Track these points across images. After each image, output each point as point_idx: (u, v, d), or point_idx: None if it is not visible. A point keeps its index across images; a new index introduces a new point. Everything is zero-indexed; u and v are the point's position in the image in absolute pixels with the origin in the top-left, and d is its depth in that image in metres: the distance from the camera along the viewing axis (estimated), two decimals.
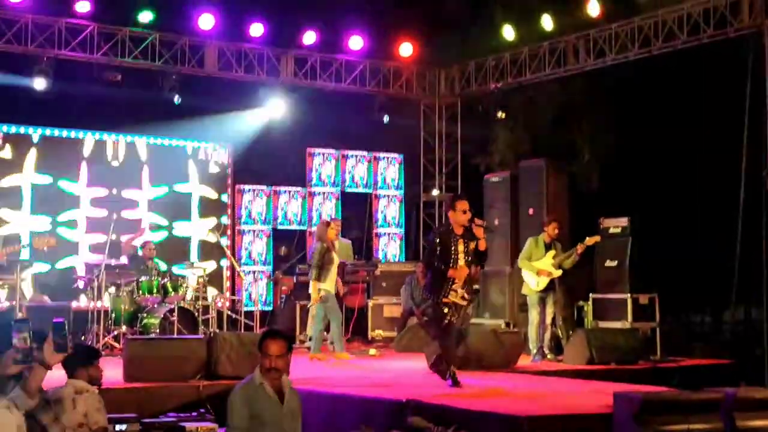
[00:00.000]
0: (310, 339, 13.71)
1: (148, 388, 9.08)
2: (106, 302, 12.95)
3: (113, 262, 13.56)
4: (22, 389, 5.07)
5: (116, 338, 12.52)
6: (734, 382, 10.21)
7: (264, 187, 16.71)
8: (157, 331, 12.29)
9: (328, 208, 17.11)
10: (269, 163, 16.39)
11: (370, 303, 15.19)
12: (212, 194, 16.33)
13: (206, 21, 15.14)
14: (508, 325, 13.52)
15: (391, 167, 17.86)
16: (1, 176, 14.71)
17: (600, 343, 11.68)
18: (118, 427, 7.23)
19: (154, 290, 12.90)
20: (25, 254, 13.87)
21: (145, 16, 14.69)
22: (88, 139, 15.38)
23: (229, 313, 14.44)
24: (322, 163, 17.23)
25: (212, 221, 16.01)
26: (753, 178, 12.85)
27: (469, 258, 9.13)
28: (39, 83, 14.01)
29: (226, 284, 15.32)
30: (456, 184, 17.94)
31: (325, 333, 13.99)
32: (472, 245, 9.12)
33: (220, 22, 15.23)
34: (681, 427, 6.40)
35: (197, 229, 16.14)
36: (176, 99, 14.91)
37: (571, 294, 13.02)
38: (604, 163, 14.35)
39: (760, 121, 12.93)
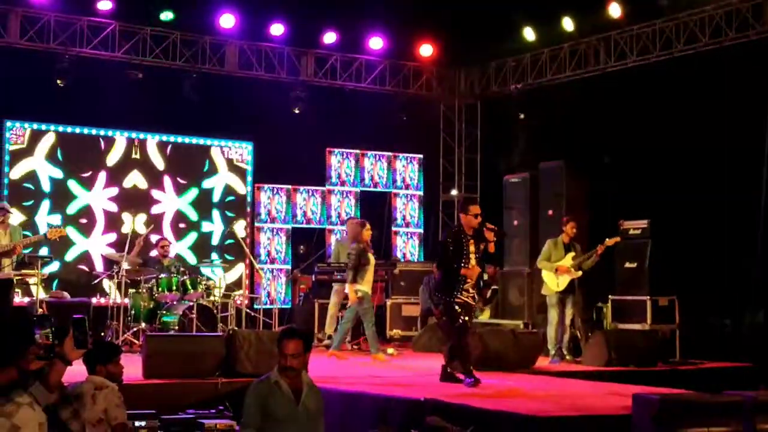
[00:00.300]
0: (329, 337, 13.74)
1: (167, 384, 9.13)
2: (125, 299, 13.00)
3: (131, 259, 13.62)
4: (42, 384, 5.10)
5: (135, 335, 12.58)
6: (754, 385, 10.16)
7: (283, 186, 16.73)
8: (176, 328, 12.33)
9: (346, 207, 17.12)
10: (289, 161, 16.41)
11: (389, 302, 15.20)
12: (230, 192, 16.35)
13: (227, 20, 15.20)
14: (526, 325, 13.51)
15: (410, 167, 17.86)
16: (19, 170, 14.77)
17: (619, 344, 11.66)
18: (137, 423, 7.26)
19: (174, 287, 12.95)
20: (44, 250, 14.05)
21: (166, 15, 14.75)
22: (108, 137, 15.44)
23: (248, 310, 14.47)
24: (341, 162, 17.25)
25: (231, 219, 16.00)
26: None
27: (480, 258, 9.35)
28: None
29: (245, 282, 15.36)
30: (475, 185, 17.95)
31: None
32: (482, 246, 9.37)
33: (240, 21, 15.29)
34: (700, 430, 6.37)
35: (218, 227, 16.18)
36: (191, 95, 14.98)
37: (590, 295, 12.99)
38: (624, 164, 14.29)
39: None
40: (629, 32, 14.59)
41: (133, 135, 15.59)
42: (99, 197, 15.31)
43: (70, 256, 14.99)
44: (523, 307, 14.08)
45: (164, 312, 12.66)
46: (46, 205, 14.90)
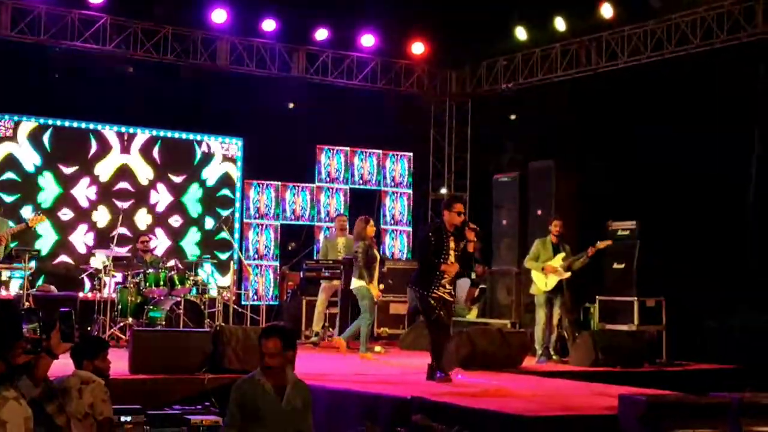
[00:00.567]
0: (316, 334, 13.74)
1: (153, 380, 9.10)
2: (112, 293, 12.97)
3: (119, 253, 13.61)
4: (28, 377, 5.09)
5: (122, 330, 12.54)
6: (740, 387, 10.19)
7: (272, 182, 16.71)
8: (163, 323, 12.30)
9: (336, 204, 17.10)
10: (278, 158, 16.39)
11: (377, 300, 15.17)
12: (221, 188, 16.34)
13: (219, 15, 15.19)
14: (514, 325, 13.51)
15: (399, 165, 17.86)
16: (7, 161, 14.71)
17: (606, 345, 11.68)
18: (123, 418, 7.25)
19: (161, 282, 12.92)
20: (31, 241, 14.04)
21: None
22: (98, 131, 15.40)
23: (235, 306, 14.45)
24: (331, 158, 17.24)
25: (220, 214, 15.98)
26: (762, 183, 12.84)
27: (458, 256, 9.42)
28: None
29: (233, 278, 15.32)
30: (465, 184, 17.96)
31: (330, 329, 14.05)
32: (461, 244, 9.43)
33: (232, 17, 15.28)
34: (686, 431, 6.38)
35: (207, 223, 16.16)
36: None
37: (577, 296, 13.00)
38: (614, 165, 14.32)
39: None
40: (621, 33, 14.62)
41: (123, 129, 15.55)
42: (88, 191, 15.25)
43: (63, 249, 14.95)
44: (511, 307, 14.08)
45: (151, 307, 12.63)
46: (34, 197, 14.84)
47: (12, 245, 12.35)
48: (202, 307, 12.95)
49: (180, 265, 13.54)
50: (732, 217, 13.13)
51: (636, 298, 12.59)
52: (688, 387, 9.14)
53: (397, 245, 17.55)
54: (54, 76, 14.30)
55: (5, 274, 12.89)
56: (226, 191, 16.39)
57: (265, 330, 6.13)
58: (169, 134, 15.99)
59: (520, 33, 15.92)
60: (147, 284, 12.84)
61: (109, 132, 15.45)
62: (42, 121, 14.96)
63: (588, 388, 9.23)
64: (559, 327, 12.29)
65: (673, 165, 13.65)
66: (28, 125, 14.86)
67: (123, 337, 12.34)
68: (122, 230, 14.14)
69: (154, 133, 15.82)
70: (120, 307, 12.81)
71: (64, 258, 15.00)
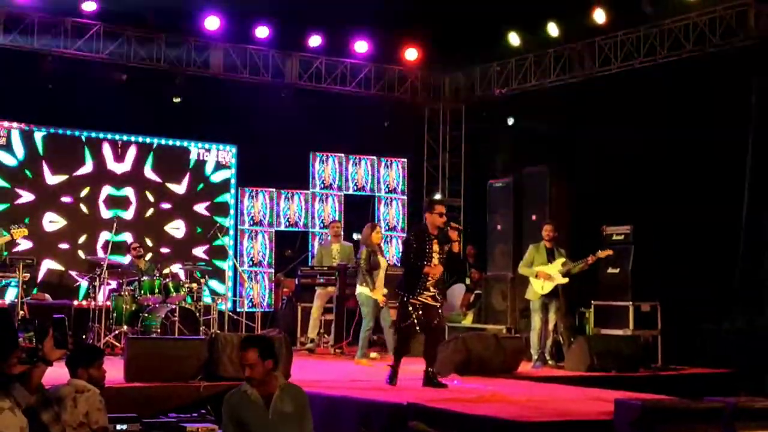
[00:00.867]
0: (311, 341, 13.73)
1: (149, 388, 9.08)
2: (107, 301, 12.96)
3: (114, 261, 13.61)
4: (23, 385, 5.08)
5: (117, 337, 12.53)
6: (735, 392, 10.21)
7: (267, 189, 16.71)
8: (158, 330, 12.29)
9: (330, 211, 17.10)
10: (272, 164, 16.39)
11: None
12: (215, 195, 16.33)
13: (212, 22, 15.18)
14: (509, 330, 13.52)
15: (394, 171, 17.87)
16: (6, 176, 14.71)
17: (601, 350, 11.69)
18: (118, 426, 7.23)
19: (156, 290, 12.91)
20: (26, 249, 14.03)
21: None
22: (92, 138, 15.38)
23: (231, 314, 14.44)
24: (326, 165, 17.24)
25: (214, 222, 15.96)
26: (756, 186, 12.86)
27: (443, 259, 9.40)
28: None
29: (228, 285, 15.34)
30: (459, 189, 17.97)
31: (326, 335, 14.05)
32: (446, 247, 9.42)
33: (225, 23, 15.27)
34: None
35: (201, 229, 16.15)
36: (175, 99, 15.02)
37: (572, 300, 13.00)
38: (608, 170, 14.35)
39: (765, 131, 12.95)
40: (614, 38, 14.65)
41: (117, 137, 15.54)
42: (82, 199, 15.24)
43: (56, 257, 14.94)
44: (506, 312, 14.08)
45: (146, 315, 12.62)
46: (30, 206, 14.83)
47: (4, 254, 12.34)
48: (197, 314, 12.94)
49: (180, 273, 13.55)
50: (726, 222, 13.14)
51: (631, 303, 12.60)
52: (683, 391, 9.17)
53: (392, 251, 17.55)
54: (47, 84, 14.27)
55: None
56: (220, 199, 16.37)
57: (242, 341, 6.18)
58: (162, 141, 15.98)
59: (513, 39, 15.94)
60: (142, 292, 12.85)
61: (103, 139, 15.43)
62: (36, 128, 14.94)
63: (583, 393, 9.24)
64: (554, 332, 12.31)
65: (667, 169, 13.68)
66: (22, 136, 14.83)
67: (118, 344, 12.33)
68: (118, 238, 14.11)
69: (148, 140, 15.81)
70: (115, 314, 12.81)
71: (58, 266, 14.96)
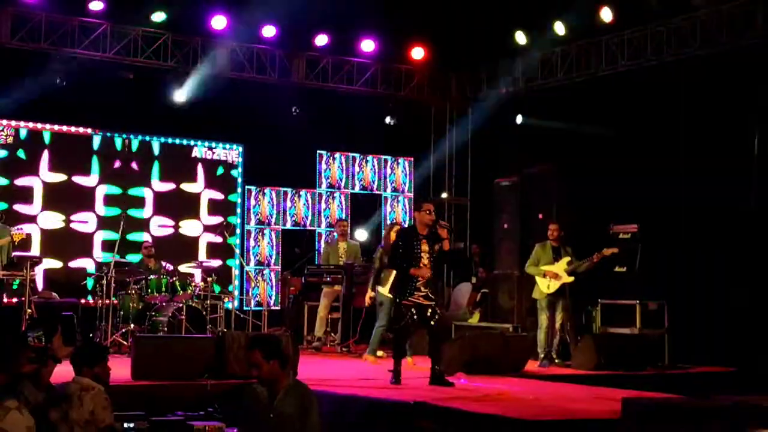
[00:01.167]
0: (318, 340, 13.75)
1: (156, 386, 9.11)
2: (114, 300, 12.98)
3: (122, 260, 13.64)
4: (32, 383, 5.10)
5: (124, 336, 12.55)
6: (742, 390, 10.19)
7: (273, 188, 16.71)
8: (165, 329, 12.31)
9: (337, 210, 17.11)
10: (279, 163, 16.41)
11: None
12: (221, 195, 16.34)
13: (219, 22, 15.20)
14: (516, 329, 13.50)
15: (400, 170, 17.87)
16: (15, 175, 14.73)
17: (608, 348, 11.68)
18: (126, 424, 7.24)
19: (163, 289, 12.93)
20: (35, 250, 14.08)
21: (158, 16, 14.75)
22: (100, 137, 15.40)
23: (237, 312, 14.46)
24: (332, 164, 17.24)
25: (220, 220, 15.96)
26: (763, 184, 12.83)
27: (433, 258, 9.42)
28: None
29: (235, 284, 15.34)
30: (466, 188, 17.97)
31: (332, 334, 14.05)
32: (436, 246, 9.44)
33: (232, 23, 15.29)
34: None
35: (207, 228, 16.17)
36: (176, 97, 15.07)
37: (579, 299, 12.99)
38: (615, 168, 14.33)
39: None
40: (620, 37, 14.62)
41: (123, 135, 15.55)
42: (89, 197, 15.26)
43: (64, 255, 14.96)
44: (513, 311, 14.08)
45: (153, 313, 12.64)
46: (38, 205, 14.85)
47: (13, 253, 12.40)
48: (204, 313, 12.95)
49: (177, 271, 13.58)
50: (732, 219, 13.12)
51: (638, 302, 12.58)
52: (690, 390, 9.15)
53: None
54: (54, 83, 14.30)
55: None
56: (226, 198, 16.38)
57: (247, 342, 6.21)
58: (169, 140, 15.98)
59: (520, 37, 15.93)
60: (149, 290, 12.87)
61: (109, 138, 15.45)
62: (44, 127, 14.95)
63: (590, 392, 9.24)
64: (561, 330, 12.29)
65: (673, 167, 13.66)
66: (30, 135, 14.85)
67: (125, 343, 12.35)
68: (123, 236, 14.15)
69: (154, 139, 15.82)
70: (122, 313, 12.84)
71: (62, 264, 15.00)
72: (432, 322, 9.48)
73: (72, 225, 15.06)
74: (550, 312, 12.18)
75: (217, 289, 13.84)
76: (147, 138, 15.75)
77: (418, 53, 16.96)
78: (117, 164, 15.48)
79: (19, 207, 14.65)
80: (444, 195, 17.95)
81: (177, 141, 16.06)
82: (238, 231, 16.26)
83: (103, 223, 15.26)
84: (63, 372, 6.09)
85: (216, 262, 15.44)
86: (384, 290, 11.93)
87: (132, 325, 12.63)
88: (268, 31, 15.69)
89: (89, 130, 15.32)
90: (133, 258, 14.34)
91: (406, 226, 9.89)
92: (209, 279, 13.32)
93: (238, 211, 16.43)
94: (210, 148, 16.25)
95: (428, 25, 16.26)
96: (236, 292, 15.53)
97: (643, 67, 14.34)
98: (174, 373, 9.38)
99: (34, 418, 5.42)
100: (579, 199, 14.07)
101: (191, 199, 16.09)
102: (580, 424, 7.11)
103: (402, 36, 16.72)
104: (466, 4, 15.28)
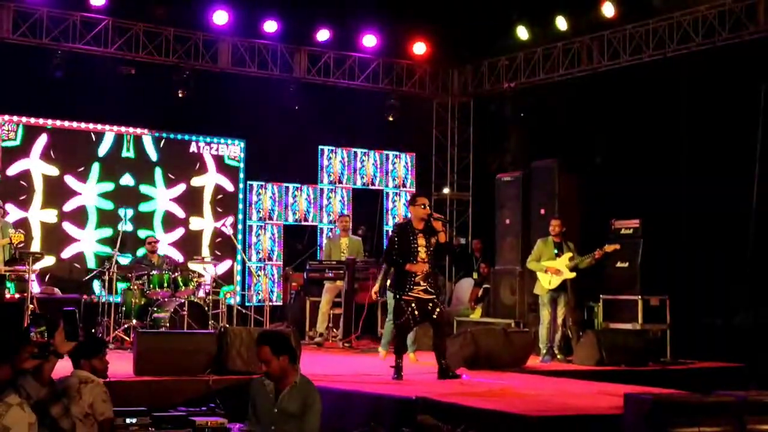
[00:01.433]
0: (320, 335, 13.75)
1: (158, 381, 9.10)
2: (116, 295, 12.99)
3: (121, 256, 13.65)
4: (34, 378, 5.09)
5: (126, 331, 12.56)
6: (745, 385, 10.18)
7: (275, 183, 16.71)
8: (167, 325, 12.31)
9: (338, 205, 17.11)
10: (281, 159, 16.41)
11: (380, 300, 15.17)
12: (223, 189, 16.33)
13: (220, 17, 15.21)
14: (518, 324, 13.51)
15: (402, 165, 17.87)
16: (11, 166, 14.71)
17: (610, 344, 11.67)
18: (128, 420, 7.24)
19: (165, 284, 12.93)
20: (35, 246, 14.07)
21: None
22: (101, 133, 15.39)
23: (239, 308, 14.46)
24: (334, 159, 17.24)
25: (223, 216, 15.97)
26: (765, 181, 12.83)
27: (430, 252, 9.43)
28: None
29: (237, 279, 15.35)
30: (467, 183, 17.98)
31: (334, 330, 14.06)
32: (433, 240, 9.45)
33: (233, 18, 15.29)
34: (691, 429, 6.37)
35: (209, 223, 16.15)
36: (180, 93, 15.06)
37: (581, 295, 12.99)
38: (617, 163, 14.33)
39: None
40: (622, 32, 14.62)
41: (124, 130, 15.54)
42: (91, 193, 15.26)
43: (65, 251, 14.96)
44: (515, 306, 14.07)
45: (155, 309, 12.64)
46: (38, 201, 14.85)
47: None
48: (206, 308, 12.96)
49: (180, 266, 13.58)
50: (735, 215, 13.11)
51: (640, 297, 12.57)
52: (692, 385, 9.13)
53: None
54: (55, 78, 14.30)
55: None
56: (228, 193, 16.37)
57: (257, 337, 6.22)
58: (171, 136, 15.97)
59: (522, 32, 15.92)
60: (151, 286, 12.88)
61: (111, 134, 15.44)
62: (45, 123, 14.95)
63: (593, 388, 9.22)
64: (563, 326, 12.29)
65: (675, 162, 13.65)
66: (29, 127, 14.85)
67: (127, 338, 12.36)
68: (126, 230, 14.16)
69: (156, 134, 15.81)
70: (124, 309, 12.85)
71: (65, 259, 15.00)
72: (434, 315, 9.49)
73: (66, 221, 15.03)
74: (552, 307, 12.17)
75: (227, 289, 13.87)
76: (148, 133, 15.72)
77: (419, 48, 16.96)
78: (117, 159, 15.45)
79: (14, 201, 14.62)
80: (446, 190, 17.95)
81: (179, 136, 16.03)
82: (240, 227, 16.24)
83: (102, 219, 15.25)
84: (63, 366, 6.08)
85: (226, 264, 15.52)
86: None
87: (134, 321, 12.63)
88: (270, 26, 15.69)
89: (90, 126, 15.30)
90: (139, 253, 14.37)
91: (400, 222, 9.85)
92: (213, 277, 13.32)
93: (240, 206, 16.41)
94: (212, 143, 16.23)
95: (430, 20, 16.27)
96: (238, 288, 15.53)
97: (645, 61, 14.33)
98: (176, 368, 9.37)
99: (36, 414, 5.42)
100: (581, 194, 14.06)
101: (192, 193, 16.06)
102: (583, 419, 7.09)
103: (403, 31, 16.72)
104: None
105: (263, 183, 16.59)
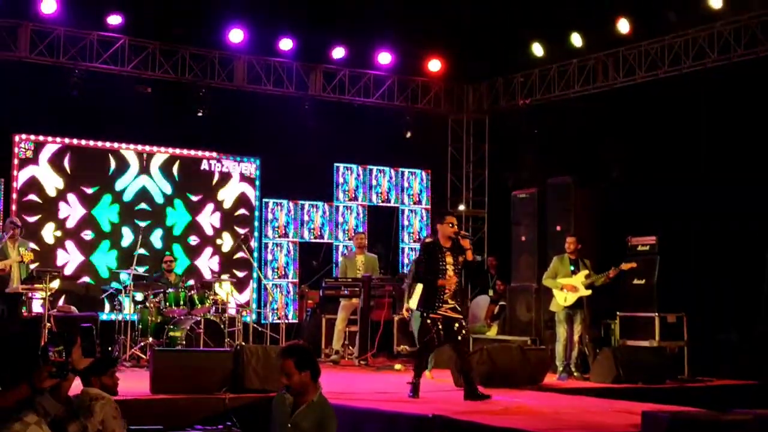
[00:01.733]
0: (336, 353, 13.74)
1: (174, 399, 9.11)
2: (133, 314, 13.02)
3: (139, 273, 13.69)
4: (52, 395, 5.10)
5: (143, 349, 12.58)
6: (763, 403, 10.12)
7: (291, 201, 16.74)
8: (183, 343, 12.32)
9: (354, 222, 17.12)
10: (296, 176, 16.44)
11: (396, 317, 15.15)
12: (239, 207, 16.36)
13: (236, 35, 15.27)
14: (534, 341, 13.46)
15: (417, 182, 17.88)
16: (28, 183, 14.78)
17: (627, 361, 11.62)
18: None
19: (181, 302, 12.95)
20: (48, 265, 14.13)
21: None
22: (117, 150, 15.45)
23: (255, 325, 14.47)
24: (349, 176, 17.26)
25: (238, 233, 15.99)
26: None
27: (458, 270, 9.45)
28: None
29: (253, 297, 15.35)
30: (483, 200, 17.97)
31: (350, 347, 14.04)
32: (460, 258, 9.47)
33: (249, 36, 15.35)
34: None
35: (224, 241, 16.18)
36: (199, 113, 15.13)
37: (598, 312, 12.95)
38: (633, 180, 14.30)
39: None
40: (638, 48, 14.61)
41: (141, 148, 15.60)
42: (107, 211, 15.32)
43: (77, 271, 15.02)
44: (531, 323, 14.04)
45: (172, 327, 12.66)
46: (53, 218, 14.91)
47: (32, 266, 12.46)
48: (222, 326, 12.97)
49: (198, 285, 13.60)
50: (751, 231, 13.04)
51: (657, 314, 12.53)
52: (710, 403, 9.09)
53: None
54: (73, 97, 14.38)
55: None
56: (243, 210, 16.41)
57: (282, 349, 6.21)
58: (185, 152, 16.02)
59: (537, 49, 15.93)
60: (167, 304, 12.89)
61: (128, 152, 15.51)
62: (62, 140, 15.01)
63: (610, 405, 9.19)
64: (579, 343, 12.24)
65: (691, 179, 13.61)
66: (48, 146, 14.93)
67: (143, 356, 12.37)
68: (141, 250, 14.21)
69: (172, 152, 15.86)
70: (140, 326, 12.87)
71: (85, 279, 15.03)
72: (459, 337, 9.47)
73: (79, 238, 15.09)
74: (568, 325, 12.13)
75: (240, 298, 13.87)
76: (164, 151, 15.76)
77: (434, 65, 17.00)
78: (134, 177, 15.51)
79: (37, 219, 14.70)
80: (461, 207, 17.94)
81: (195, 153, 16.06)
82: (255, 244, 16.27)
83: (121, 236, 15.30)
84: (74, 384, 6.09)
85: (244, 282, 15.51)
86: (410, 303, 11.90)
87: (150, 339, 12.65)
88: (285, 44, 15.75)
89: (107, 144, 15.37)
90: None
91: (428, 240, 9.84)
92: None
93: (255, 224, 16.44)
94: (228, 161, 16.25)
95: (444, 38, 16.29)
96: (254, 306, 15.54)
97: (661, 78, 14.31)
98: (192, 386, 9.38)
99: None
100: (597, 211, 14.04)
101: (213, 211, 16.08)
102: None
103: (418, 48, 16.76)
104: (483, 16, 15.29)
105: (279, 200, 16.62)
